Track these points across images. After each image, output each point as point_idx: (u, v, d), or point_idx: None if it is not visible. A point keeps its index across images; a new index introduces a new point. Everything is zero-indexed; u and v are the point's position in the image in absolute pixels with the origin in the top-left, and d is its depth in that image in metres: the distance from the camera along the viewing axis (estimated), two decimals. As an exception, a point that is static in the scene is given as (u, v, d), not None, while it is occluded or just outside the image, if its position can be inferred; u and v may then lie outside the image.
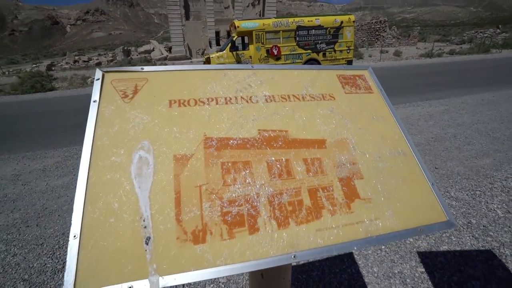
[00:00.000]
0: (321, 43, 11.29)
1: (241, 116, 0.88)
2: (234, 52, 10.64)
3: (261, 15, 25.05)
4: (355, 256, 2.04)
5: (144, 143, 0.76)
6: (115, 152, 0.73)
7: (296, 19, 11.07)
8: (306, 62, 11.31)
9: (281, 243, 0.68)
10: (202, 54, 22.77)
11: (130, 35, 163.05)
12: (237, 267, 0.63)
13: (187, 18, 34.12)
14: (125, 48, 23.83)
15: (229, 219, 0.69)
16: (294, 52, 11.10)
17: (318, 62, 11.45)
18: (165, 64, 18.64)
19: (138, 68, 0.90)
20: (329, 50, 11.47)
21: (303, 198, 0.77)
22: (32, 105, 9.23)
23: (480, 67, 12.37)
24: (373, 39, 29.47)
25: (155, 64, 17.41)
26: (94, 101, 0.80)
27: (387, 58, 19.03)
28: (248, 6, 35.70)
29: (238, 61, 10.75)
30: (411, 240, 2.16)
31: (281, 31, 10.73)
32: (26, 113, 7.96)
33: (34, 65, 23.89)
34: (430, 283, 1.78)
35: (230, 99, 0.91)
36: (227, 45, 10.80)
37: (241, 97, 0.93)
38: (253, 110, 0.90)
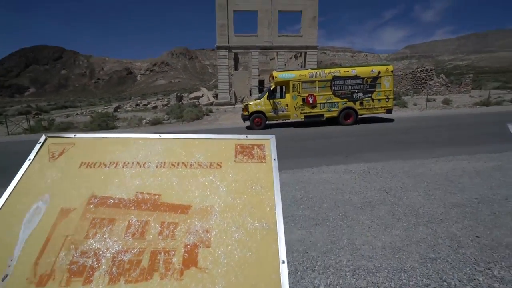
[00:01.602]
0: (357, 92, 11.37)
1: (129, 179, 0.99)
2: (271, 100, 11.31)
3: (303, 66, 26.61)
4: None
5: (46, 196, 0.92)
6: (22, 200, 0.91)
7: (332, 70, 11.52)
8: (342, 111, 11.35)
9: None
10: (241, 101, 24.49)
11: (187, 82, 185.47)
12: None
13: (236, 68, 38.01)
14: (178, 94, 27.16)
15: (74, 268, 0.77)
16: (330, 101, 11.31)
17: (355, 111, 11.40)
18: (210, 110, 20.47)
19: (71, 134, 1.13)
20: (366, 99, 11.43)
21: (143, 259, 0.80)
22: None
23: (550, 119, 10.85)
24: (419, 87, 28.46)
25: (201, 109, 19.22)
26: (29, 160, 1.02)
27: (435, 107, 18.01)
28: (291, 58, 38.44)
29: (275, 109, 11.32)
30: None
31: (317, 81, 11.19)
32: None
33: (105, 107, 28.33)
34: None
35: (128, 163, 1.04)
36: (265, 93, 11.59)
37: (137, 162, 1.05)
38: (141, 174, 1.01)
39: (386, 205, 3.68)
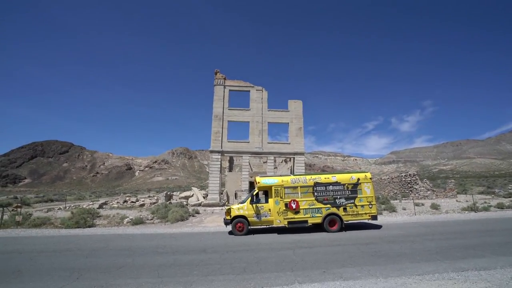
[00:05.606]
0: (340, 198, 11.56)
1: None
2: (254, 205, 11.31)
3: (292, 170, 28.01)
4: None
5: None
6: None
7: (314, 176, 12.08)
8: (326, 216, 11.19)
9: None
10: (224, 205, 24.22)
11: (184, 180, 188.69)
12: None
13: (230, 170, 39.73)
14: (168, 193, 27.22)
15: None
16: (313, 207, 11.32)
17: (340, 217, 11.25)
18: (197, 211, 20.03)
19: None
20: (350, 205, 11.50)
21: None
22: (58, 241, 9.83)
23: (536, 230, 10.70)
24: (407, 191, 29.17)
25: (187, 209, 18.82)
26: None
27: (424, 211, 17.94)
28: (282, 162, 40.91)
29: (257, 213, 11.19)
30: None
31: (299, 187, 11.53)
32: (49, 249, 8.38)
33: (91, 203, 27.62)
34: None
35: None
36: (248, 198, 11.71)
37: None
38: None
39: None
